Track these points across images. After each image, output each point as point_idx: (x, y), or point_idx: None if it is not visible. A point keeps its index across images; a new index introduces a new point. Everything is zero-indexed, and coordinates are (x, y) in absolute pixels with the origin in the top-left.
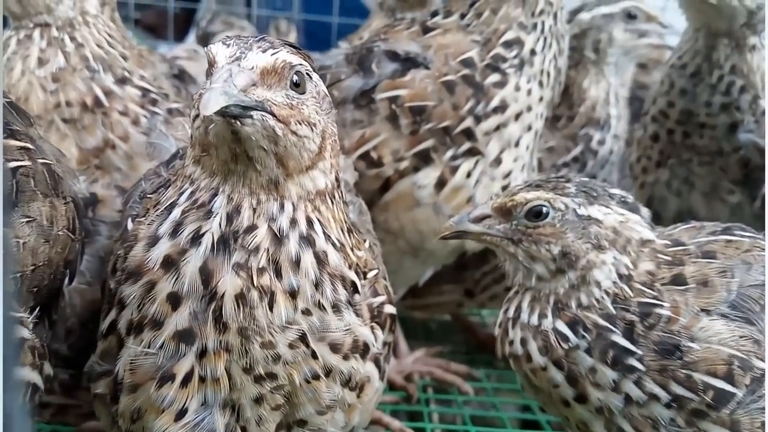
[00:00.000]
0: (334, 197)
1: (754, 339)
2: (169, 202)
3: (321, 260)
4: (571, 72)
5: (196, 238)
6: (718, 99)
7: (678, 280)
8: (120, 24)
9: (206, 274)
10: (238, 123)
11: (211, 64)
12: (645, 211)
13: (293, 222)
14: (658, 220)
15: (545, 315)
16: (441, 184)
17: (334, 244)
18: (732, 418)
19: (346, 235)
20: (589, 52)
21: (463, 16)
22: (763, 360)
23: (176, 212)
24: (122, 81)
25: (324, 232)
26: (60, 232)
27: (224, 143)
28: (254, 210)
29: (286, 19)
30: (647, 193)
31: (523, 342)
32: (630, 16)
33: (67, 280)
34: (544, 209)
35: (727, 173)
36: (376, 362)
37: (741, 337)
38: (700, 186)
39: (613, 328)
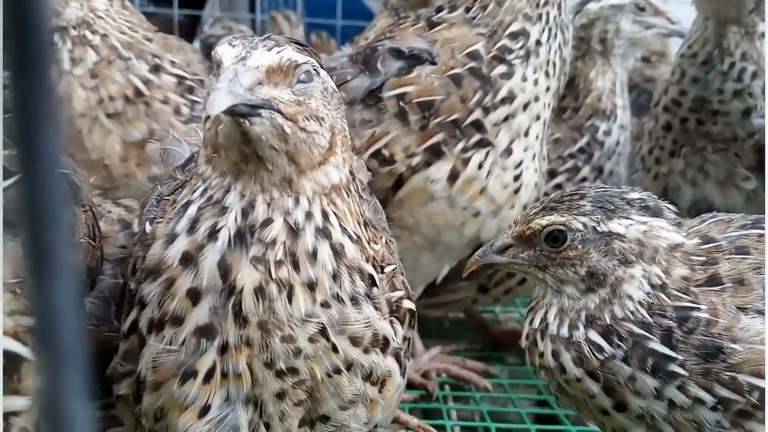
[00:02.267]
0: (350, 191)
1: None
2: (184, 201)
3: (338, 252)
4: (578, 63)
5: (212, 234)
6: (730, 85)
7: (714, 281)
8: (133, 9)
9: (224, 269)
10: (247, 122)
11: (218, 64)
12: (669, 211)
13: (308, 215)
14: None
15: (576, 326)
16: (453, 177)
17: (350, 237)
18: None
19: (362, 228)
20: (596, 43)
21: (468, 10)
22: None
23: (192, 209)
24: (156, 68)
25: (340, 225)
26: (81, 240)
27: (234, 144)
28: (268, 205)
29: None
30: (662, 183)
31: (555, 354)
32: (639, 8)
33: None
34: (563, 233)
35: (742, 159)
36: (397, 357)
37: None
38: (715, 174)
39: (650, 336)
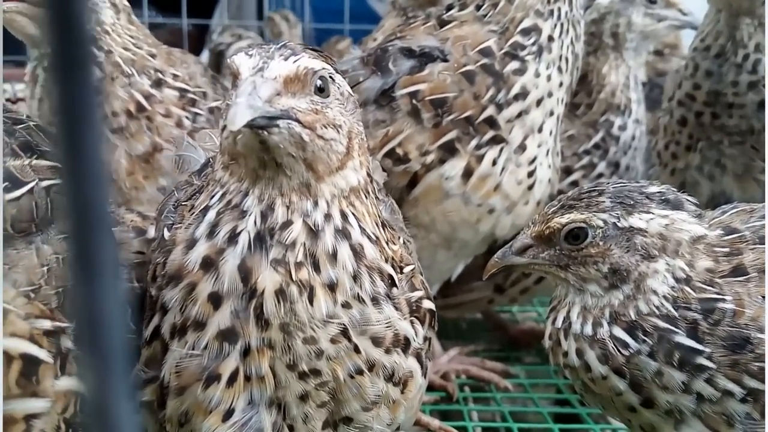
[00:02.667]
0: (368, 192)
1: None
2: (203, 206)
3: (357, 252)
4: (590, 58)
5: (232, 238)
6: (744, 78)
7: (738, 271)
8: (139, 24)
9: (245, 272)
10: (265, 133)
11: (236, 75)
12: (690, 203)
13: (328, 216)
14: None
15: (600, 323)
16: (468, 173)
17: (369, 237)
18: None
19: (381, 229)
20: (607, 37)
21: (478, 8)
22: None
23: (211, 214)
24: (158, 83)
25: (359, 225)
26: None
27: (252, 152)
28: (288, 207)
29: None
30: (679, 179)
31: (579, 353)
32: (650, 0)
33: None
34: (583, 231)
35: (760, 152)
36: (418, 357)
37: None
38: (732, 167)
39: (676, 329)
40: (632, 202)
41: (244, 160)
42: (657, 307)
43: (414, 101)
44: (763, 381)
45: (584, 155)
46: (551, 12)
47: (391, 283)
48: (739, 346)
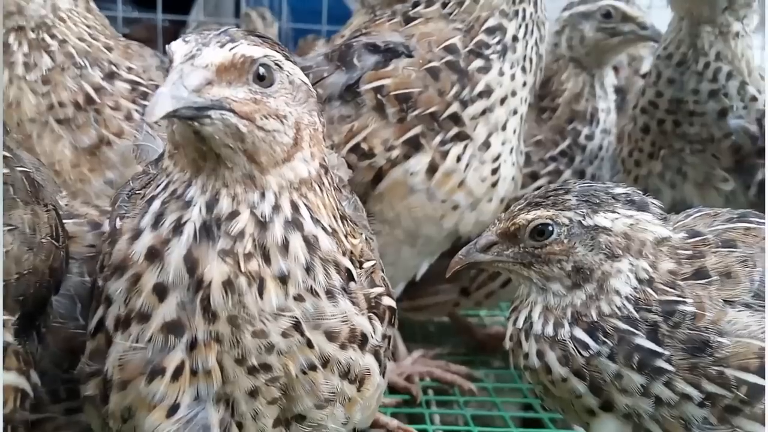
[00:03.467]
0: (323, 183)
1: None
2: (149, 196)
3: (311, 244)
4: (553, 66)
5: (177, 228)
6: (705, 86)
7: (700, 274)
8: (98, 14)
9: (191, 262)
10: (197, 124)
11: (170, 62)
12: (655, 206)
13: (276, 207)
14: None
15: (561, 324)
16: (432, 169)
17: (324, 229)
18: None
19: (339, 221)
20: (564, 49)
21: (444, 5)
22: None
23: (156, 204)
24: (110, 75)
25: (312, 217)
26: (43, 240)
27: (189, 143)
28: (233, 198)
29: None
30: (641, 186)
31: (540, 354)
32: (605, 15)
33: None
34: (548, 227)
35: (720, 161)
36: (376, 355)
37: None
38: (693, 176)
39: (636, 331)
40: (598, 201)
41: (184, 150)
42: (618, 308)
43: (379, 96)
44: (721, 385)
45: (551, 161)
46: (516, 12)
47: (349, 276)
48: (698, 349)
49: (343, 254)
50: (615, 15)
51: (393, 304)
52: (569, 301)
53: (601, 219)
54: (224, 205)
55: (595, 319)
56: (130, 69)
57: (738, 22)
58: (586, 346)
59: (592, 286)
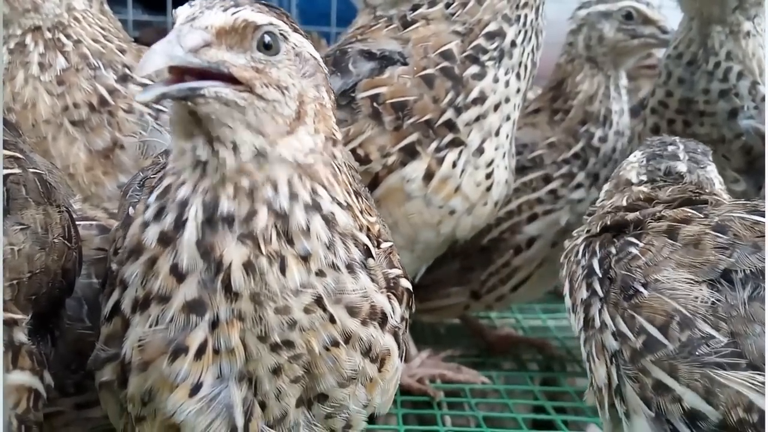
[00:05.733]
0: (334, 157)
1: (714, 306)
2: (151, 186)
3: (330, 221)
4: (567, 66)
5: (178, 225)
6: (716, 86)
7: (670, 232)
8: (112, 16)
9: (205, 247)
10: (191, 104)
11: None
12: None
13: (293, 196)
14: None
15: None
16: (429, 176)
17: (340, 204)
18: (670, 364)
19: (353, 197)
20: (581, 48)
21: (447, 5)
22: (715, 329)
23: (153, 198)
24: (124, 78)
25: (328, 194)
26: (56, 240)
27: (186, 123)
28: (234, 196)
29: None
30: None
31: None
32: (626, 16)
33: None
34: None
35: (731, 162)
36: (395, 336)
37: (696, 298)
38: None
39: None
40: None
41: (181, 128)
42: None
43: (375, 104)
44: (629, 328)
45: (564, 164)
46: (518, 18)
47: (367, 252)
48: (624, 288)
49: (360, 229)
50: (636, 17)
51: (410, 287)
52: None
53: None
54: (225, 206)
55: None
56: None
57: (749, 21)
58: None
59: None
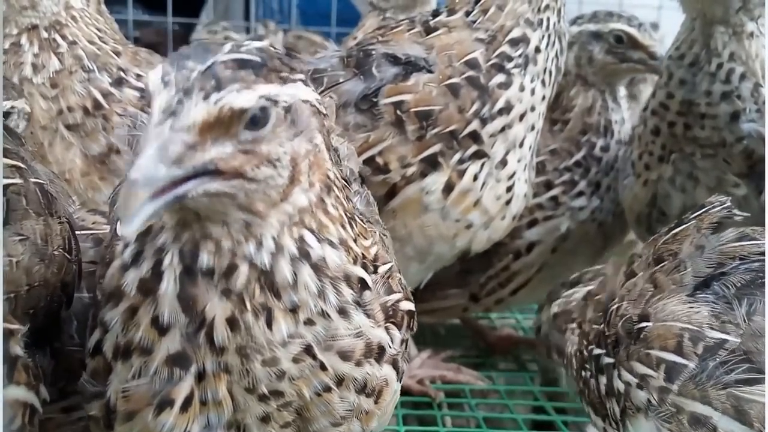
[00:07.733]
0: (329, 195)
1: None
2: None
3: (319, 267)
4: (562, 80)
5: (156, 273)
6: (718, 87)
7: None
8: (108, 16)
9: (187, 301)
10: (178, 204)
11: (149, 102)
12: None
13: (279, 249)
14: (663, 217)
15: None
16: (449, 188)
17: (332, 244)
18: (698, 388)
19: (348, 228)
20: (571, 65)
21: (468, 13)
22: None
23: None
24: (119, 82)
25: (318, 238)
26: (55, 252)
27: (174, 211)
28: (215, 253)
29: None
30: (651, 190)
31: None
32: (618, 39)
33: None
34: None
35: (732, 165)
36: (394, 364)
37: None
38: (705, 180)
39: None
40: None
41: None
42: None
43: (398, 112)
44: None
45: (565, 171)
46: (540, 22)
47: (362, 286)
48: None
49: (354, 262)
50: (626, 41)
51: (412, 306)
52: None
53: None
54: (204, 259)
55: None
56: (138, 76)
57: (752, 22)
58: None
59: None
